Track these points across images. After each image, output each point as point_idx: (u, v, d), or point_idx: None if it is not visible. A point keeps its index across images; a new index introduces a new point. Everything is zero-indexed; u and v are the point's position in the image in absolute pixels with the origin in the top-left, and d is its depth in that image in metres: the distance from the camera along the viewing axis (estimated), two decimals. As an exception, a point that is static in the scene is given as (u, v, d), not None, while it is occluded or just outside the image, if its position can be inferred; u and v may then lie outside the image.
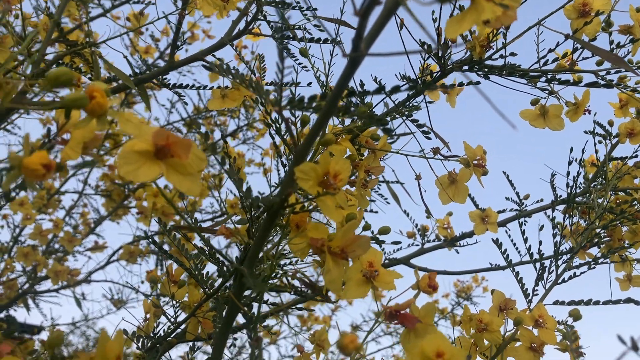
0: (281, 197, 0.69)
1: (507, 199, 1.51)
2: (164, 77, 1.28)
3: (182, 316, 1.19)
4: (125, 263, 2.54)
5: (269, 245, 0.81)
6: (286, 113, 0.84)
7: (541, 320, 1.03)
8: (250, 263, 0.71)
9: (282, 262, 0.86)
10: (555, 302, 1.09)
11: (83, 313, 2.95)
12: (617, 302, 1.07)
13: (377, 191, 1.52)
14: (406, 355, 0.59)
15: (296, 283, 1.27)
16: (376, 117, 0.69)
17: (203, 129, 2.65)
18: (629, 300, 1.07)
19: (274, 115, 0.89)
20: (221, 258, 0.77)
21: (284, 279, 1.33)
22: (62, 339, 0.64)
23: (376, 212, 1.55)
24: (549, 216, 1.37)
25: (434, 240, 1.60)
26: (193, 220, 1.05)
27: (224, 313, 0.77)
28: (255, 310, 0.84)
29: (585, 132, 1.44)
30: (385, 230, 0.94)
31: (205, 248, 1.04)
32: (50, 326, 2.93)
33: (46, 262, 2.43)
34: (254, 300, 0.75)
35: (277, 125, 0.87)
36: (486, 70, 1.01)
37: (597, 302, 1.06)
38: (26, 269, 2.52)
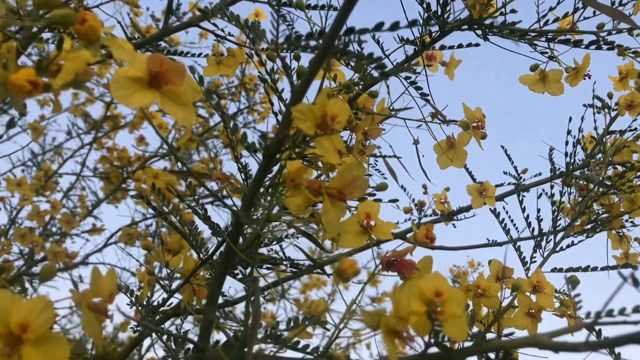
0: (277, 139, 0.69)
1: (505, 173, 1.50)
2: (158, 42, 1.27)
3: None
4: (124, 245, 2.53)
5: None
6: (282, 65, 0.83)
7: (539, 286, 1.03)
8: (247, 207, 0.70)
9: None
10: (553, 270, 1.08)
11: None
12: (614, 267, 1.07)
13: (375, 166, 1.52)
14: (399, 300, 0.58)
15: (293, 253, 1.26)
16: (373, 58, 0.69)
17: (202, 112, 2.64)
18: (626, 266, 1.07)
19: (269, 69, 0.89)
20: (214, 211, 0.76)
21: (279, 253, 1.32)
22: (54, 271, 0.63)
23: (373, 187, 1.54)
24: (546, 193, 1.37)
25: (431, 215, 1.59)
26: (196, 200, 1.04)
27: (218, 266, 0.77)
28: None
29: (585, 105, 1.43)
30: (382, 187, 0.94)
31: (200, 211, 1.04)
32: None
33: (43, 243, 2.42)
34: (251, 246, 0.74)
35: (272, 77, 0.86)
36: (486, 30, 1.00)
37: (595, 269, 1.05)
38: (23, 251, 2.51)
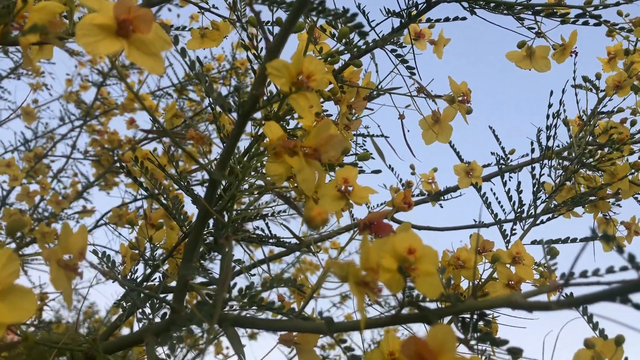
0: (252, 96, 0.68)
1: (492, 153, 1.50)
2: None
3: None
4: (114, 227, 2.52)
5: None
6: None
7: (518, 257, 1.03)
8: (222, 166, 0.70)
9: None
10: (533, 242, 1.08)
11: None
12: (593, 238, 1.06)
13: (362, 146, 1.51)
14: (367, 251, 0.57)
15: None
16: (349, 16, 0.68)
17: (194, 96, 2.63)
18: (605, 237, 1.06)
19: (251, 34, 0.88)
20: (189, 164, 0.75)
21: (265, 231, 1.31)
22: (23, 223, 0.62)
23: (361, 167, 1.54)
24: (529, 170, 1.36)
25: (418, 195, 1.59)
26: (185, 183, 1.03)
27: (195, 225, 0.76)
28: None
29: (573, 86, 1.42)
30: (365, 156, 0.93)
31: (183, 182, 1.03)
32: (39, 294, 2.91)
33: (33, 225, 2.41)
34: (225, 208, 0.73)
35: (254, 42, 0.85)
36: (472, 2, 1.00)
37: (574, 240, 1.05)
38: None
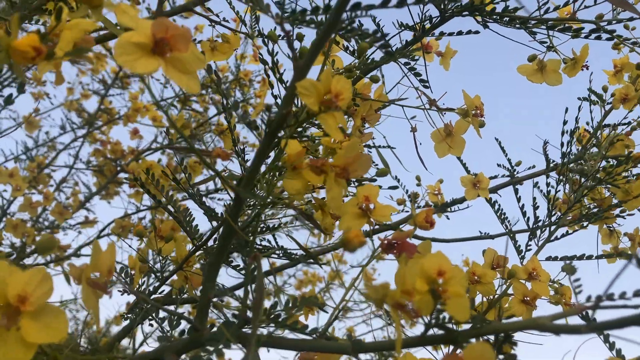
0: (281, 114, 0.68)
1: (499, 165, 1.50)
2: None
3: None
4: (117, 238, 2.51)
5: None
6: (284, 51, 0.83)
7: (534, 273, 1.03)
8: (247, 183, 0.70)
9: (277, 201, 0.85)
10: (548, 258, 1.08)
11: (72, 292, 2.91)
12: (610, 256, 1.07)
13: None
14: (404, 274, 0.57)
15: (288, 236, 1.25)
16: (377, 36, 0.68)
17: (197, 107, 2.63)
18: (620, 255, 1.07)
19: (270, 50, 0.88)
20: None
21: (272, 243, 1.31)
22: (55, 243, 0.62)
23: (374, 179, 1.54)
24: (539, 188, 1.37)
25: (424, 207, 1.59)
26: (198, 197, 1.03)
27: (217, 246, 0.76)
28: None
29: (579, 98, 1.44)
30: (383, 172, 0.93)
31: (196, 197, 1.03)
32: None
33: (36, 235, 2.40)
34: (251, 225, 0.73)
35: (273, 58, 0.86)
36: (486, 16, 1.00)
37: (590, 257, 1.06)
38: (15, 244, 2.48)
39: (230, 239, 0.71)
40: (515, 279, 1.04)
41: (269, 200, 0.71)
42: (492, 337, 0.68)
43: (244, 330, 0.69)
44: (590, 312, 0.61)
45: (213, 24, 1.26)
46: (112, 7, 0.57)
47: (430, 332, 0.64)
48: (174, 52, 0.57)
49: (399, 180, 1.65)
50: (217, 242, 0.72)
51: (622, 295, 0.59)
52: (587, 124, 1.50)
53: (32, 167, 2.48)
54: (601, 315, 0.59)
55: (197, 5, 1.26)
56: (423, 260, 0.62)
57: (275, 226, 1.23)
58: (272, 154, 0.87)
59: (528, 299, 1.03)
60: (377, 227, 1.63)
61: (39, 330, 0.55)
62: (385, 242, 0.75)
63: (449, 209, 1.58)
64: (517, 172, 1.52)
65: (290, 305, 0.75)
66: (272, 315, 0.70)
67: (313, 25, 0.67)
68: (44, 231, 2.52)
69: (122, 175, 2.55)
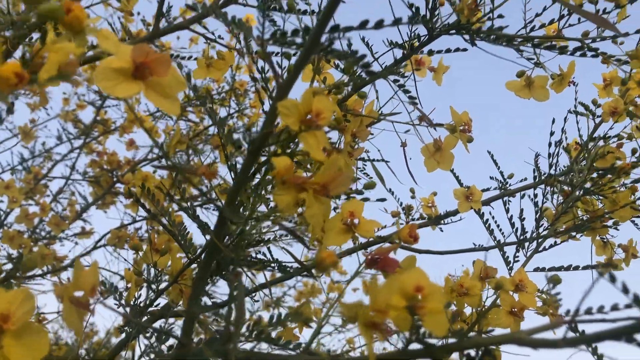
0: (262, 134, 0.69)
1: (491, 178, 1.52)
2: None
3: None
4: (113, 249, 2.51)
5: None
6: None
7: (521, 285, 1.04)
8: (230, 202, 0.71)
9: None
10: (536, 269, 1.09)
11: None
12: (595, 266, 1.08)
13: (363, 170, 1.53)
14: (376, 292, 0.58)
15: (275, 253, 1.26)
16: (358, 57, 0.69)
17: (193, 117, 2.64)
18: (607, 265, 1.08)
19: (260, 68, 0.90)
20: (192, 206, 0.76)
21: (267, 255, 1.32)
22: (36, 262, 0.63)
23: (362, 192, 1.55)
24: (530, 197, 1.38)
25: (418, 219, 1.60)
26: (191, 210, 1.04)
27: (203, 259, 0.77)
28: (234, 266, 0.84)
29: (570, 111, 1.45)
30: (370, 185, 0.95)
31: (189, 210, 1.04)
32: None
33: (32, 246, 2.40)
34: (234, 243, 0.74)
35: (262, 75, 0.87)
36: (474, 34, 1.02)
37: (576, 268, 1.07)
38: (11, 255, 2.49)
39: (214, 256, 0.72)
40: (503, 290, 1.05)
41: (253, 217, 0.72)
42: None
43: (227, 345, 0.70)
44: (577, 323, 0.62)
45: (208, 41, 1.28)
46: (94, 33, 0.58)
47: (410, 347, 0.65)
48: (154, 76, 0.58)
49: (393, 193, 1.66)
50: (203, 259, 0.73)
51: (600, 310, 0.60)
52: (580, 136, 1.51)
53: (28, 178, 2.49)
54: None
55: (192, 24, 1.29)
56: (402, 276, 0.63)
57: (266, 239, 1.24)
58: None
59: (515, 310, 1.04)
60: (371, 240, 1.64)
61: (21, 349, 0.56)
62: (369, 257, 0.76)
63: (442, 222, 1.59)
64: (509, 185, 1.53)
65: (275, 321, 0.75)
66: (255, 331, 0.71)
67: (294, 47, 0.68)
68: (40, 242, 2.53)
69: (118, 185, 2.56)
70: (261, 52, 0.91)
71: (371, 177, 1.58)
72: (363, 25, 0.64)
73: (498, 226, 1.40)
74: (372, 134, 1.29)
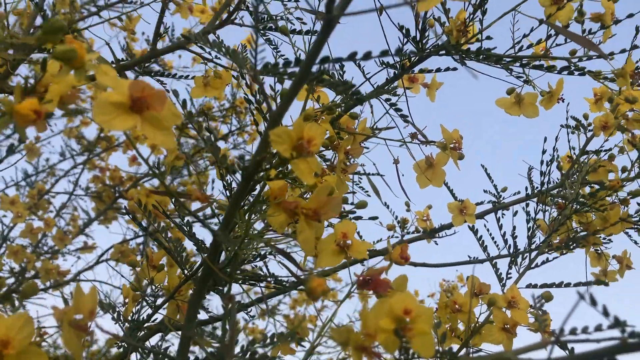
0: (255, 160, 0.72)
1: (485, 191, 1.54)
2: (147, 64, 1.31)
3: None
4: (115, 264, 2.54)
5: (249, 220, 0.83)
6: (267, 88, 0.87)
7: (514, 301, 1.06)
8: (225, 226, 0.73)
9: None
10: (528, 286, 1.11)
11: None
12: (587, 283, 1.10)
13: (358, 184, 1.55)
14: (366, 317, 0.61)
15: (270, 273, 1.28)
16: (348, 86, 0.72)
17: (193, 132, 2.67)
18: (598, 282, 1.10)
19: (255, 91, 0.92)
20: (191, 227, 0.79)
21: (263, 269, 1.34)
22: (36, 289, 0.66)
23: (354, 211, 1.57)
24: (526, 211, 1.40)
25: (413, 232, 1.62)
26: (188, 228, 1.07)
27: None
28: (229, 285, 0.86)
29: (562, 125, 1.47)
30: (362, 205, 0.97)
31: (186, 228, 1.06)
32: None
33: (35, 261, 2.43)
34: (230, 264, 0.76)
35: (257, 99, 0.90)
36: (463, 55, 1.04)
37: (568, 284, 1.08)
38: (14, 269, 2.52)
39: (208, 279, 0.75)
40: (495, 307, 1.07)
41: (246, 240, 0.74)
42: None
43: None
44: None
45: (206, 61, 1.31)
46: (93, 68, 0.61)
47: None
48: (150, 110, 0.60)
49: (388, 207, 1.68)
50: (198, 281, 0.75)
51: (585, 330, 0.62)
52: (572, 149, 1.54)
53: (32, 193, 2.53)
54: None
55: (191, 44, 1.31)
56: (390, 299, 0.66)
57: (262, 254, 1.26)
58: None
59: (508, 326, 1.06)
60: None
61: (20, 373, 0.59)
62: (361, 278, 0.78)
63: (437, 235, 1.61)
64: (503, 198, 1.56)
65: (269, 341, 0.78)
66: (250, 352, 0.73)
67: (286, 77, 0.70)
68: (43, 257, 2.55)
69: (120, 201, 2.59)
70: (254, 79, 0.94)
71: (367, 191, 1.61)
72: (352, 57, 0.67)
73: (493, 239, 1.42)
74: (368, 148, 1.32)
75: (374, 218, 1.02)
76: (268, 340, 0.72)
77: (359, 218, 0.99)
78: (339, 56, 0.68)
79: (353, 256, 0.83)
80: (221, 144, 2.79)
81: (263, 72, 0.71)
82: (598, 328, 0.61)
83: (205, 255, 0.73)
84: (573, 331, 0.64)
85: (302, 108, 1.04)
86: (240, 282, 1.12)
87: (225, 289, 0.78)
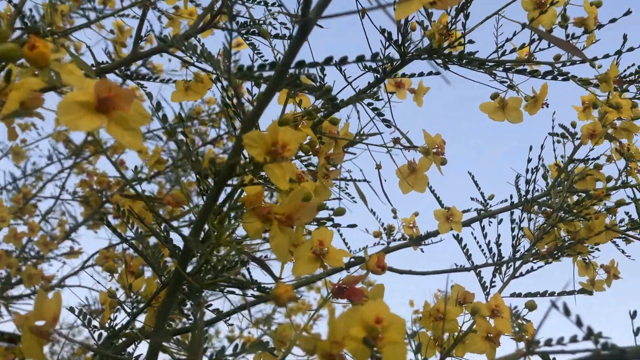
0: (228, 165, 0.70)
1: (472, 199, 1.52)
2: (126, 68, 1.29)
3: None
4: (101, 269, 2.51)
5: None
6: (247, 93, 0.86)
7: (497, 310, 1.04)
8: (196, 232, 0.71)
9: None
10: (512, 295, 1.09)
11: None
12: (571, 292, 1.09)
13: (345, 190, 1.53)
14: (334, 325, 0.59)
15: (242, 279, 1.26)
16: (325, 90, 0.71)
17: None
18: (583, 291, 1.09)
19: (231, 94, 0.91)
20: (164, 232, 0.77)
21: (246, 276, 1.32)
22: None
23: (332, 219, 1.56)
24: (510, 218, 1.39)
25: (399, 240, 1.60)
26: (165, 233, 1.05)
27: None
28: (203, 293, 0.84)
29: (550, 133, 1.46)
30: (340, 212, 0.95)
31: (162, 234, 1.04)
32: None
33: (20, 266, 2.40)
34: (200, 272, 0.75)
35: (232, 102, 0.88)
36: (445, 59, 1.03)
37: (552, 294, 1.07)
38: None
39: (178, 286, 0.73)
40: (479, 315, 1.05)
41: (219, 245, 0.73)
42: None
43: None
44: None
45: (186, 64, 1.29)
46: (59, 67, 0.59)
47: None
48: (117, 110, 0.59)
49: (374, 213, 1.67)
50: (168, 288, 0.73)
51: (560, 341, 0.61)
52: (562, 157, 1.53)
53: (18, 198, 2.50)
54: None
55: (170, 48, 1.30)
56: (362, 308, 0.64)
57: (245, 260, 1.24)
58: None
59: (491, 335, 1.04)
60: (352, 259, 1.63)
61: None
62: (336, 286, 0.77)
63: (423, 242, 1.59)
64: (490, 206, 1.54)
65: (239, 350, 0.76)
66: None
67: (262, 80, 0.69)
68: (29, 262, 2.52)
69: (108, 206, 2.56)
70: (234, 81, 0.93)
71: (353, 197, 1.59)
72: (328, 61, 0.65)
73: (480, 247, 1.41)
74: (355, 154, 1.30)
75: (353, 226, 1.00)
76: (239, 349, 0.70)
77: (337, 225, 0.97)
78: (315, 61, 0.67)
79: (329, 264, 0.81)
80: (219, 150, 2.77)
81: (238, 75, 0.69)
82: (573, 339, 0.60)
83: (175, 261, 0.72)
84: (548, 342, 0.63)
85: (282, 112, 1.03)
86: (217, 289, 1.10)
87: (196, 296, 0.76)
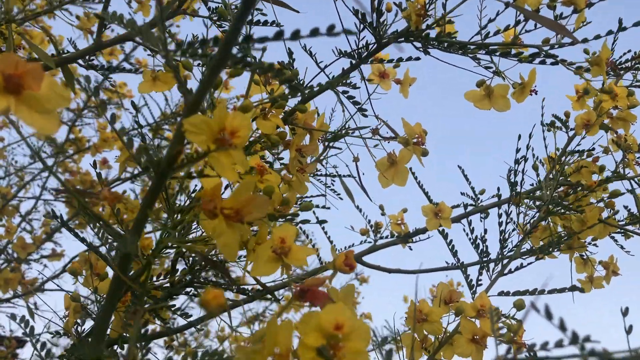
0: (169, 155, 0.62)
1: (462, 194, 1.45)
2: (91, 57, 1.21)
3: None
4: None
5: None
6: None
7: (483, 310, 0.97)
8: (136, 229, 0.64)
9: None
10: (500, 293, 1.02)
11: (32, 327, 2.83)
12: (562, 290, 1.01)
13: (331, 187, 1.46)
14: (274, 333, 0.51)
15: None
16: (274, 69, 0.63)
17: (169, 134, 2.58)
18: (573, 288, 1.01)
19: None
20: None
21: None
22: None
23: (328, 207, 1.48)
24: (497, 213, 1.32)
25: (387, 237, 1.53)
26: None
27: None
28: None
29: (542, 124, 1.38)
30: (307, 206, 0.88)
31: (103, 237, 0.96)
32: (8, 338, 2.79)
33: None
34: (141, 275, 0.67)
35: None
36: (424, 42, 0.96)
37: (542, 292, 0.99)
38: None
39: (118, 292, 0.65)
40: (464, 316, 0.98)
41: (162, 246, 0.65)
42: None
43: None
44: None
45: (153, 53, 1.22)
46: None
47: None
48: (27, 90, 0.51)
49: (361, 210, 1.59)
50: (107, 295, 0.66)
51: (544, 346, 0.55)
52: (557, 149, 1.45)
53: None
54: None
55: (138, 35, 1.22)
56: (320, 312, 0.56)
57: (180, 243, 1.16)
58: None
59: (477, 337, 0.97)
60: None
61: None
62: (298, 289, 0.69)
63: (411, 239, 1.52)
64: (481, 201, 1.47)
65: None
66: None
67: (204, 60, 0.61)
68: (8, 266, 2.44)
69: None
70: (187, 62, 0.85)
71: (339, 194, 1.52)
72: (278, 36, 0.57)
73: (472, 243, 1.33)
74: (340, 149, 1.22)
75: (323, 222, 0.92)
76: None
77: (306, 222, 0.90)
78: (263, 35, 0.59)
79: (291, 264, 0.73)
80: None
81: (177, 53, 0.61)
82: (559, 344, 0.54)
83: (113, 265, 0.64)
84: (531, 348, 0.57)
85: (245, 96, 0.95)
86: (182, 292, 1.02)
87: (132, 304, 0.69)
